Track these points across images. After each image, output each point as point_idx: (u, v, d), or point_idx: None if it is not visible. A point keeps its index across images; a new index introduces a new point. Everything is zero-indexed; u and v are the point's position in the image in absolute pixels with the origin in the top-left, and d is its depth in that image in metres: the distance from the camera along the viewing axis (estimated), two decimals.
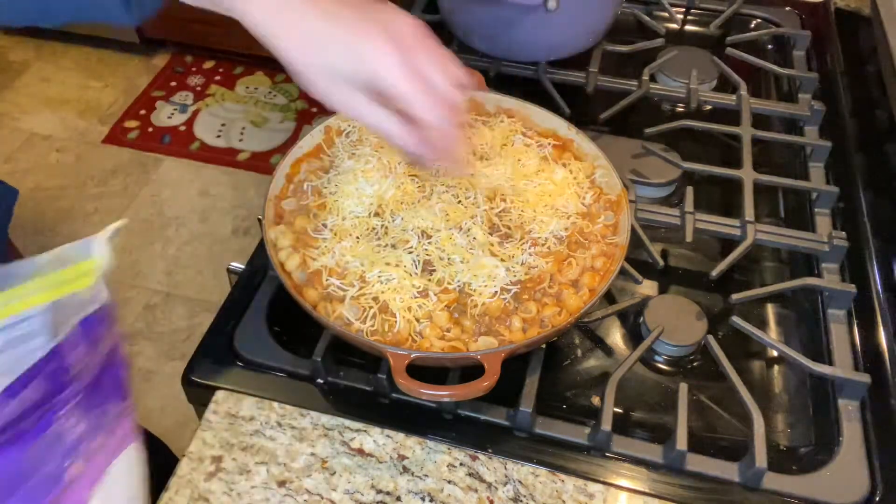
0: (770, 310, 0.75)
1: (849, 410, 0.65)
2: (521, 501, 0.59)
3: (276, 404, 0.65)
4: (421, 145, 0.53)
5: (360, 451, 0.62)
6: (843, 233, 0.75)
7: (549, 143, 0.77)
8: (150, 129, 2.34)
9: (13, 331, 0.48)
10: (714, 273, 0.73)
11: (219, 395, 0.65)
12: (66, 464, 0.47)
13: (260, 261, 0.75)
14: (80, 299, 0.48)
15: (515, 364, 0.63)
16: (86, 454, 0.48)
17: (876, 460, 0.61)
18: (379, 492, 0.59)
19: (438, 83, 0.50)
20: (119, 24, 0.54)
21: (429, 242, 0.66)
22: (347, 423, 0.63)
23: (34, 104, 2.43)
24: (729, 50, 0.98)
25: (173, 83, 2.49)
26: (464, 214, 0.69)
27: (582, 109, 0.92)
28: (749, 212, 0.77)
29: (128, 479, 0.49)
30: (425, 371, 0.58)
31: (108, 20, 0.54)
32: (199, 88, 2.47)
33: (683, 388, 0.63)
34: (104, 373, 0.49)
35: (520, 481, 0.60)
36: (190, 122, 2.36)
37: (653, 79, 0.95)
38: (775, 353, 0.71)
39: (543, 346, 0.65)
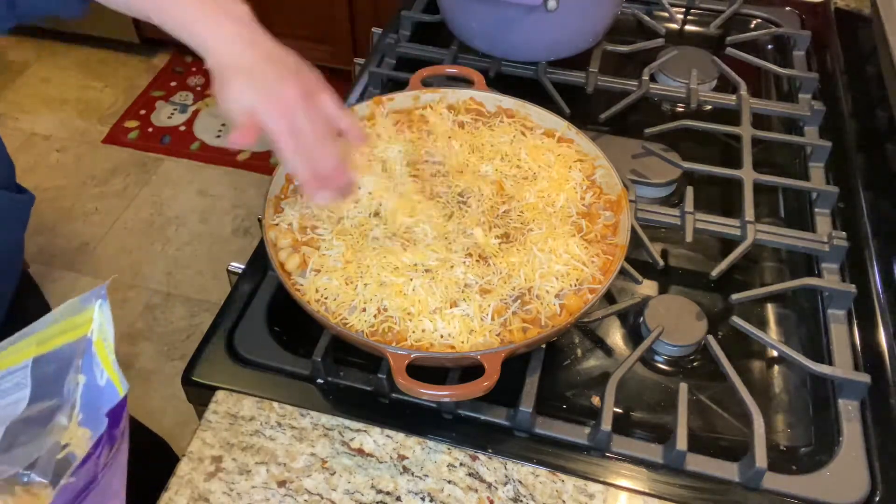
0: (770, 310, 0.75)
1: (849, 410, 0.64)
2: (521, 501, 0.59)
3: (276, 404, 0.65)
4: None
5: (360, 451, 0.62)
6: (843, 233, 0.75)
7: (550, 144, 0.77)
8: (150, 130, 2.34)
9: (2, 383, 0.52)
10: (714, 273, 0.73)
11: (219, 395, 0.65)
12: None
13: (260, 261, 0.75)
14: (70, 351, 0.52)
15: (515, 364, 0.63)
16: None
17: (876, 460, 0.61)
18: (379, 492, 0.59)
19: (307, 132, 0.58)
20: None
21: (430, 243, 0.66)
22: (347, 423, 0.63)
23: (34, 104, 2.43)
24: (729, 50, 0.98)
25: (173, 83, 2.49)
26: (464, 214, 0.69)
27: (582, 109, 0.92)
28: (749, 212, 0.77)
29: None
30: (425, 371, 0.58)
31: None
32: (199, 88, 2.47)
33: (683, 388, 0.63)
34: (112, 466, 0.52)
35: (520, 481, 0.60)
36: (190, 122, 2.36)
37: (653, 79, 0.95)
38: (775, 353, 0.71)
39: (543, 346, 0.65)
